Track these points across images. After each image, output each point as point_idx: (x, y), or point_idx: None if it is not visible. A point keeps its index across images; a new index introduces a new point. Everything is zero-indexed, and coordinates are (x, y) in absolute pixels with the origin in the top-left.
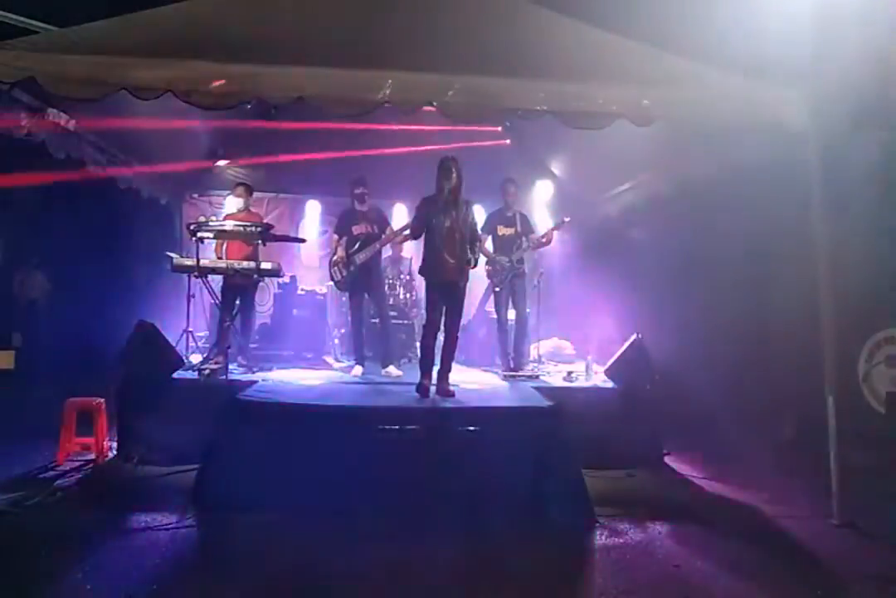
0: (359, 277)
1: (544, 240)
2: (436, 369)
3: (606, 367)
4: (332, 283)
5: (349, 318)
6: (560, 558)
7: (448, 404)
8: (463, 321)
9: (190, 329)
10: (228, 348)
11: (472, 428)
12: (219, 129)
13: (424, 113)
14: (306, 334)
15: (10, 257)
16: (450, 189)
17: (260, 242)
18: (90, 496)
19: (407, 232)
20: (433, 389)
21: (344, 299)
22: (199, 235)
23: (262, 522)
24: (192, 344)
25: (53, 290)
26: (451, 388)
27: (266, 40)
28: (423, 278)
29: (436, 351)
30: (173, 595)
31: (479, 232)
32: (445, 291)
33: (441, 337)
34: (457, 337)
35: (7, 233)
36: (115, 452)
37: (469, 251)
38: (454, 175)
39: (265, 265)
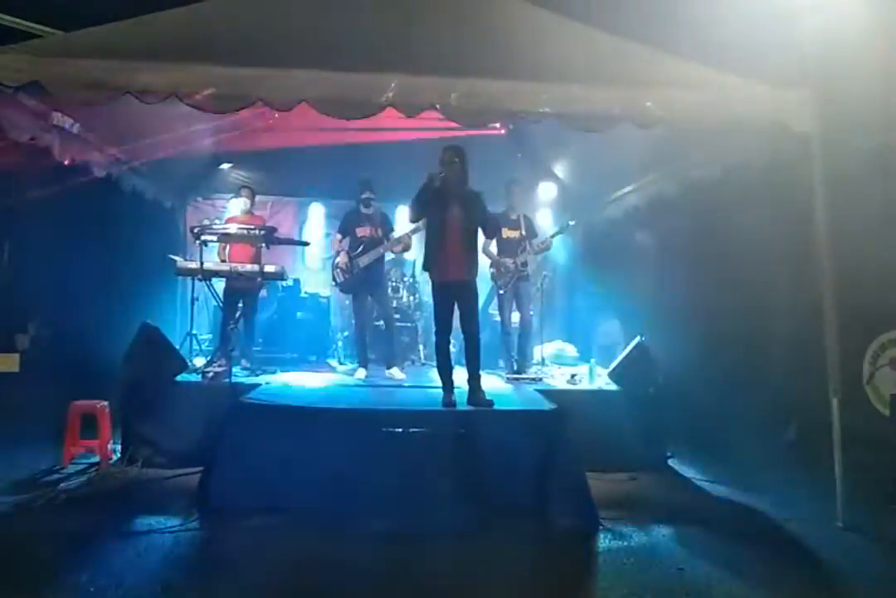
0: (362, 279)
1: (543, 246)
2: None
3: (610, 370)
4: (334, 284)
5: (353, 320)
6: (563, 561)
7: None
8: None
9: (193, 332)
10: (232, 350)
11: (475, 431)
12: (223, 131)
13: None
14: (310, 337)
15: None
16: (452, 179)
17: (263, 244)
18: (94, 499)
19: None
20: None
21: (347, 301)
22: (202, 238)
23: (266, 524)
24: (195, 347)
25: (56, 292)
26: (489, 397)
27: (269, 43)
28: (427, 280)
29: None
30: None
31: (496, 220)
32: (455, 291)
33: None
34: (478, 339)
35: (13, 236)
36: (118, 455)
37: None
38: (456, 165)
39: (269, 268)
